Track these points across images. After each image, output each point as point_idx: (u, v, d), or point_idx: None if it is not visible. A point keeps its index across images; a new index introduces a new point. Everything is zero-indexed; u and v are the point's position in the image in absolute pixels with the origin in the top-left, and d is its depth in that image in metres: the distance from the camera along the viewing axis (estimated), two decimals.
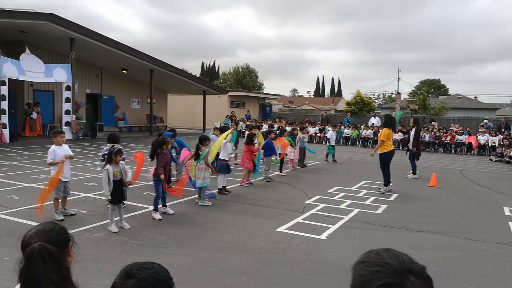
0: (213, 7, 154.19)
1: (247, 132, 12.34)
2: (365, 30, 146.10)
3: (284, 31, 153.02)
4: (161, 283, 1.38)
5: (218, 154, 8.96)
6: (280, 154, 11.46)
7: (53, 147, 6.40)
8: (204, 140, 7.62)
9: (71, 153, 6.61)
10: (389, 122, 9.21)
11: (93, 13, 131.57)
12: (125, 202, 7.16)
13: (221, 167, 8.58)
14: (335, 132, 15.41)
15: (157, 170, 6.67)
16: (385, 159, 9.00)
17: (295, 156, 12.43)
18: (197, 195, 7.67)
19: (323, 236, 5.90)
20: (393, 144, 9.23)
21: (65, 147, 6.56)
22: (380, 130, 10.35)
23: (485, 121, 22.73)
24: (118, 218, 5.99)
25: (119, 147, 6.23)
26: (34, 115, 19.32)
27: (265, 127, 19.79)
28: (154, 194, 6.73)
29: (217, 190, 8.56)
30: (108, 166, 5.85)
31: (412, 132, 11.87)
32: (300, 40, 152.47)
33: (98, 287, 3.80)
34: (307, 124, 22.67)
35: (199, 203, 7.45)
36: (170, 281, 1.42)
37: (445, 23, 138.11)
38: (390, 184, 9.13)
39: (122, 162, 6.09)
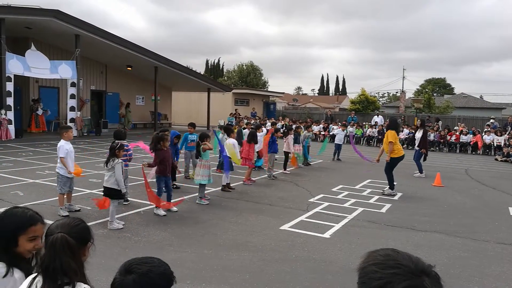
0: (215, 4, 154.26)
1: (246, 130, 12.36)
2: (369, 28, 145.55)
3: (287, 28, 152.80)
4: (161, 277, 1.38)
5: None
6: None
7: (62, 142, 6.46)
8: (204, 138, 7.61)
9: (73, 155, 6.67)
10: (393, 125, 9.11)
11: (96, 10, 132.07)
12: (129, 199, 7.22)
13: (230, 163, 8.61)
14: (345, 131, 15.33)
15: (157, 166, 6.71)
16: (393, 163, 8.93)
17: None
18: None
19: (327, 235, 5.89)
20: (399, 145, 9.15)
21: (69, 143, 6.61)
22: (385, 130, 10.28)
23: (491, 120, 22.59)
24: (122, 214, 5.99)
25: (121, 142, 6.26)
26: (40, 111, 19.40)
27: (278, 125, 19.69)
28: (157, 191, 6.76)
29: (220, 187, 8.58)
30: (118, 160, 5.89)
31: (420, 134, 11.82)
32: (304, 37, 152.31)
33: (101, 282, 3.81)
34: (311, 122, 22.61)
35: (196, 201, 7.46)
36: (170, 275, 1.42)
37: (450, 22, 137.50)
38: (394, 188, 9.04)
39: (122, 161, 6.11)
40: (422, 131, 11.80)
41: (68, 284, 1.63)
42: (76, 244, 1.69)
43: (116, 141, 6.36)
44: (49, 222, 2.07)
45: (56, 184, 6.71)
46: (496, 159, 16.95)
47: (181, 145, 9.34)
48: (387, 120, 9.36)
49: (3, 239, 1.83)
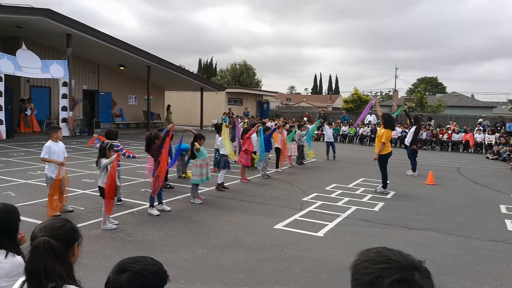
0: (207, 3, 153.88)
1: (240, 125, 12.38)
2: (361, 28, 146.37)
3: (279, 28, 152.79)
4: (154, 275, 1.40)
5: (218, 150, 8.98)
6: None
7: (49, 143, 6.36)
8: (198, 139, 7.58)
9: (65, 154, 6.60)
10: (389, 122, 9.10)
11: (87, 9, 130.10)
12: (122, 199, 7.19)
13: (225, 162, 8.64)
14: (331, 129, 15.39)
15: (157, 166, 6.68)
16: (384, 161, 8.99)
17: (294, 153, 12.39)
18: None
19: (321, 233, 5.91)
20: (391, 142, 9.18)
21: (61, 144, 6.54)
22: (378, 128, 10.33)
23: (479, 120, 22.80)
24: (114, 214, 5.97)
25: (111, 143, 6.22)
26: (29, 112, 19.19)
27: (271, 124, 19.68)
28: (151, 191, 6.73)
29: (214, 187, 8.58)
30: (105, 159, 5.84)
31: (412, 129, 11.86)
32: (296, 37, 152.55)
33: (95, 283, 3.79)
34: (305, 119, 22.61)
35: (190, 201, 7.46)
36: (164, 273, 1.44)
37: (442, 21, 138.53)
38: (387, 186, 9.08)
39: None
40: (415, 127, 11.84)
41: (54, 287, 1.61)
42: (60, 247, 1.65)
43: (106, 141, 6.30)
44: (39, 222, 2.07)
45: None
46: (487, 157, 17.12)
47: (177, 145, 9.34)
48: (382, 118, 9.28)
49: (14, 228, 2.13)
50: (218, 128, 9.22)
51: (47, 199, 6.36)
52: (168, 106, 25.60)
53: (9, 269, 2.01)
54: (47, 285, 1.60)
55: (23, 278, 1.69)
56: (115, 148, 6.33)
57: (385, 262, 1.05)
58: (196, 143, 7.51)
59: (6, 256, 2.04)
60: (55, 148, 6.36)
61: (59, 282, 1.61)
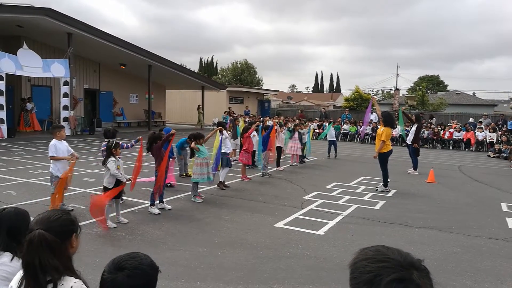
0: (207, 2, 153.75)
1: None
2: (362, 25, 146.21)
3: (279, 26, 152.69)
4: (151, 267, 1.50)
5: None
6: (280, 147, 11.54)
7: (54, 141, 6.39)
8: (197, 138, 7.55)
9: (71, 150, 6.60)
10: (389, 120, 9.08)
11: (86, 7, 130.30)
12: (123, 198, 7.20)
13: (227, 161, 8.65)
14: (333, 128, 15.37)
15: (157, 163, 6.69)
16: (384, 159, 8.98)
17: (298, 152, 12.31)
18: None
19: (321, 232, 5.91)
20: (392, 140, 9.17)
21: (64, 142, 6.56)
22: (378, 126, 10.32)
23: (470, 119, 22.84)
24: (114, 214, 5.99)
25: (116, 140, 6.24)
26: (29, 106, 19.12)
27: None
28: (152, 189, 6.73)
29: (215, 185, 8.58)
30: (113, 158, 5.87)
31: (414, 128, 11.84)
32: (296, 35, 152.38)
33: (96, 282, 3.79)
34: (300, 119, 22.58)
35: (191, 199, 7.46)
36: (155, 265, 1.53)
37: (442, 19, 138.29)
38: (388, 185, 9.06)
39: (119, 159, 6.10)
40: (416, 125, 11.82)
41: (51, 281, 1.60)
42: (55, 240, 1.62)
43: (111, 140, 6.33)
44: None
45: (49, 184, 6.67)
46: (489, 156, 17.10)
47: (177, 147, 9.36)
48: (381, 116, 9.26)
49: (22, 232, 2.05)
50: (221, 125, 9.22)
51: (49, 197, 6.39)
52: (199, 106, 26.25)
53: (12, 273, 1.98)
54: (44, 278, 1.59)
55: (21, 273, 1.70)
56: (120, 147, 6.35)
57: (384, 261, 1.05)
58: (193, 143, 7.48)
59: (12, 259, 2.03)
60: (60, 147, 6.41)
61: (55, 275, 1.60)
